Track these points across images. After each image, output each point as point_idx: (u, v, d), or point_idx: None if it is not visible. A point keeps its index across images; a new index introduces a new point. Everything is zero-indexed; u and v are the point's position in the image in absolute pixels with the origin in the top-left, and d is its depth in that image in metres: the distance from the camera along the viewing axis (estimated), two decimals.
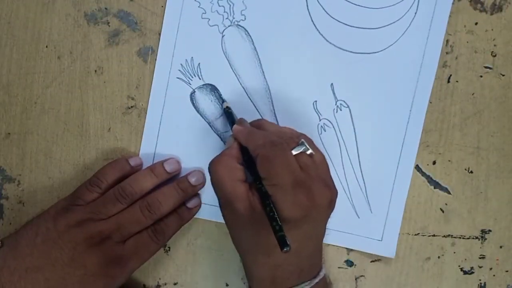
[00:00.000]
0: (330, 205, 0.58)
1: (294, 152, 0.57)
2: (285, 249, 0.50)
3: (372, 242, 0.68)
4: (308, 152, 0.58)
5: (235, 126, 0.62)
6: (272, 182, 0.55)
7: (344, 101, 0.68)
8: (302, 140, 0.58)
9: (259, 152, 0.57)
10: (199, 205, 0.68)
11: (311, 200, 0.55)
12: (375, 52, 0.67)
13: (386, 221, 0.68)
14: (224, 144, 0.68)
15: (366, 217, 0.68)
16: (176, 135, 0.69)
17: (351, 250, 0.69)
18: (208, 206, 0.69)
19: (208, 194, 0.69)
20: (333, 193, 0.58)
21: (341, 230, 0.68)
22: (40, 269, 0.60)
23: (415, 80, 0.67)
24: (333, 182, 0.59)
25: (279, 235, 0.52)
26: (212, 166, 0.59)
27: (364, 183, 0.68)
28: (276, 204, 0.55)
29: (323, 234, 0.61)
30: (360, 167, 0.68)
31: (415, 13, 0.66)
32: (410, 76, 0.67)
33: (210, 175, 0.60)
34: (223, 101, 0.68)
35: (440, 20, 0.66)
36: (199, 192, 0.69)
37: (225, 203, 0.59)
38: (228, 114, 0.66)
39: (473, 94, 0.68)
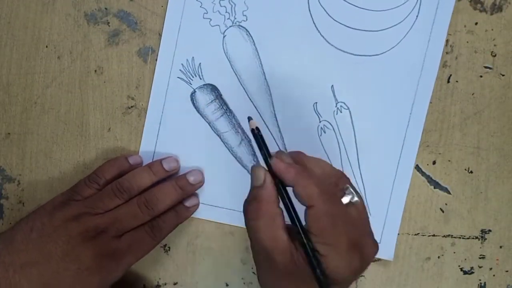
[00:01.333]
0: (373, 258, 0.54)
1: (344, 202, 0.52)
2: None
3: None
4: (354, 200, 0.52)
5: (275, 160, 0.52)
6: (326, 241, 0.49)
7: (345, 103, 0.68)
8: (347, 185, 0.52)
9: (314, 204, 0.50)
10: (197, 205, 0.68)
11: (363, 261, 0.51)
12: (376, 55, 0.67)
13: (385, 223, 0.68)
14: (224, 145, 0.68)
15: None
16: (176, 135, 0.69)
17: None
18: (209, 206, 0.69)
19: (208, 194, 0.69)
20: (378, 246, 0.54)
21: None
22: (34, 264, 0.60)
23: (416, 83, 0.67)
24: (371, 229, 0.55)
25: None
26: (250, 213, 0.52)
27: (363, 185, 0.68)
28: (328, 264, 0.49)
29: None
30: (360, 170, 0.68)
31: (417, 16, 0.66)
32: (410, 79, 0.67)
33: (245, 219, 0.53)
34: (249, 118, 0.56)
35: (441, 23, 0.66)
36: (198, 192, 0.69)
37: (261, 252, 0.52)
38: (257, 138, 0.54)
39: (473, 94, 0.68)
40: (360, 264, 0.51)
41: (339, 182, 0.53)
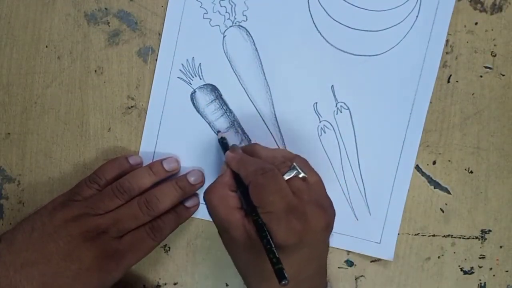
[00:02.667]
0: (327, 227, 0.58)
1: (286, 177, 0.57)
2: (283, 282, 0.50)
3: (371, 244, 0.68)
4: (301, 175, 0.58)
5: (227, 153, 0.62)
6: (265, 209, 0.55)
7: (345, 103, 0.67)
8: (294, 164, 0.58)
9: (251, 179, 0.57)
10: (197, 205, 0.68)
11: (305, 225, 0.55)
12: (376, 55, 0.67)
13: (385, 223, 0.68)
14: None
15: (365, 219, 0.68)
16: (176, 135, 0.69)
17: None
18: None
19: None
20: (329, 215, 0.58)
21: (340, 232, 0.68)
22: (35, 263, 0.60)
23: (416, 83, 0.67)
24: (330, 203, 0.59)
25: (277, 268, 0.52)
26: (206, 194, 0.59)
27: (364, 185, 0.68)
28: (271, 231, 0.55)
29: (324, 255, 0.61)
30: (360, 170, 0.68)
31: (417, 16, 0.66)
32: (411, 79, 0.67)
33: (205, 203, 0.60)
34: (218, 131, 0.69)
35: (441, 23, 0.66)
36: (198, 192, 0.69)
37: (221, 230, 0.60)
38: (222, 144, 0.67)
39: (473, 94, 0.68)
40: (303, 228, 0.55)
41: (287, 161, 0.59)
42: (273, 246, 0.53)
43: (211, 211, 0.59)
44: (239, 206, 0.59)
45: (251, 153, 0.63)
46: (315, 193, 0.58)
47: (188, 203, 0.67)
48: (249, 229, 0.57)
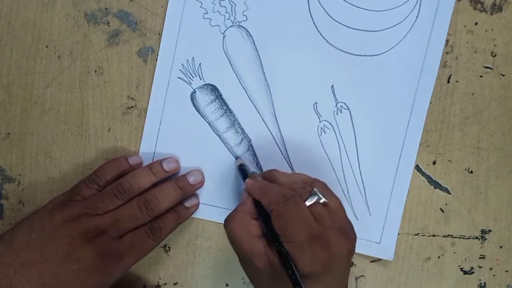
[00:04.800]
0: (350, 252, 0.58)
1: (307, 203, 0.57)
2: None
3: (371, 244, 0.69)
4: (322, 201, 0.58)
5: (247, 180, 0.63)
6: (288, 238, 0.55)
7: (345, 103, 0.68)
8: (314, 189, 0.59)
9: (273, 207, 0.57)
10: (197, 205, 0.68)
11: (329, 253, 0.55)
12: (376, 55, 0.67)
13: (385, 223, 0.68)
14: (224, 145, 0.68)
15: (365, 219, 0.68)
16: (176, 135, 0.69)
17: None
18: (209, 207, 0.69)
19: (208, 195, 0.69)
20: (352, 240, 0.58)
21: None
22: (34, 263, 0.60)
23: (416, 83, 0.67)
24: (351, 227, 0.59)
25: None
26: (227, 223, 0.60)
27: (364, 185, 0.68)
28: (295, 260, 0.55)
29: (346, 279, 0.61)
30: (360, 170, 0.68)
31: (417, 16, 0.66)
32: (411, 79, 0.67)
33: (226, 231, 0.60)
34: (237, 157, 0.69)
35: (441, 23, 0.66)
36: (198, 192, 0.69)
37: (243, 259, 0.60)
38: (241, 171, 0.66)
39: (473, 94, 0.68)
40: (327, 256, 0.55)
41: (307, 187, 0.60)
42: (298, 276, 0.54)
43: (233, 240, 0.59)
44: (260, 234, 0.59)
45: (270, 179, 0.63)
46: (337, 218, 0.58)
47: (188, 203, 0.67)
48: (272, 258, 0.57)
